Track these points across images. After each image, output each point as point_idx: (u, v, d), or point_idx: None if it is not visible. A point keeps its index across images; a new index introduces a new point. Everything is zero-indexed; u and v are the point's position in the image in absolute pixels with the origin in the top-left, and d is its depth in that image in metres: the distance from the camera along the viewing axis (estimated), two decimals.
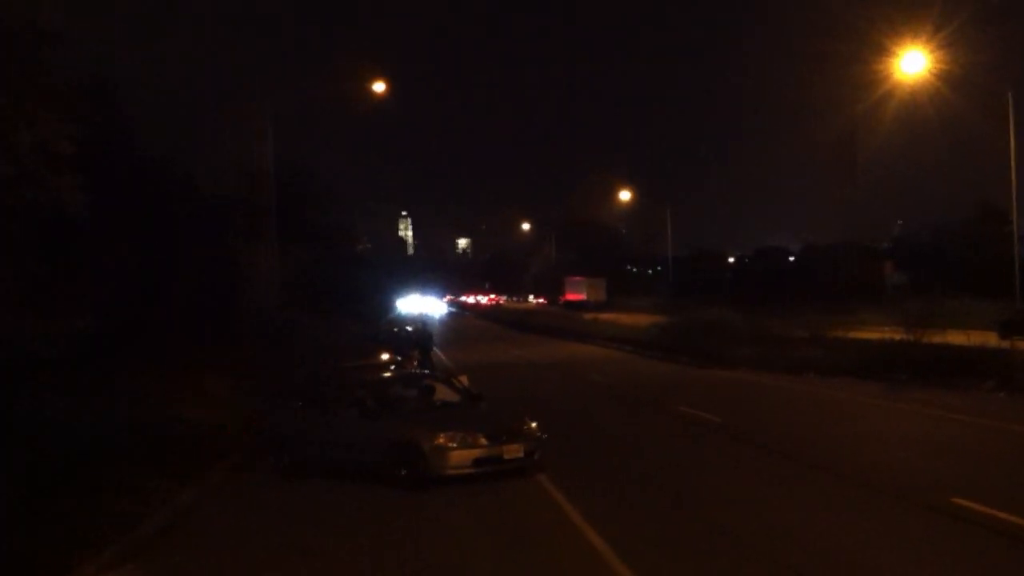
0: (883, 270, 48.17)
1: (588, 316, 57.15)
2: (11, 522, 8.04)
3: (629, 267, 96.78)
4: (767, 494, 9.89)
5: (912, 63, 29.45)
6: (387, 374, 15.13)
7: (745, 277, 62.30)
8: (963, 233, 52.55)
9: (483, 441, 11.06)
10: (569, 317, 60.33)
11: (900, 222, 76.95)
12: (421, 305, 77.64)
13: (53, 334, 11.53)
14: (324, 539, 8.90)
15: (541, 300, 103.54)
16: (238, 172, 26.13)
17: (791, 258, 76.77)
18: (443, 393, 13.12)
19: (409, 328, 34.06)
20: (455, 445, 10.91)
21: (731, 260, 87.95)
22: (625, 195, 76.71)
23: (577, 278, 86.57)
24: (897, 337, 22.81)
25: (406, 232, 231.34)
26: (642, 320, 42.50)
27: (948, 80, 31.18)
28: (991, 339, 21.22)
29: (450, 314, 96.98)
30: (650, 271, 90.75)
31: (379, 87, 26.36)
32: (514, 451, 11.23)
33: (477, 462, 10.95)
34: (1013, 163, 30.86)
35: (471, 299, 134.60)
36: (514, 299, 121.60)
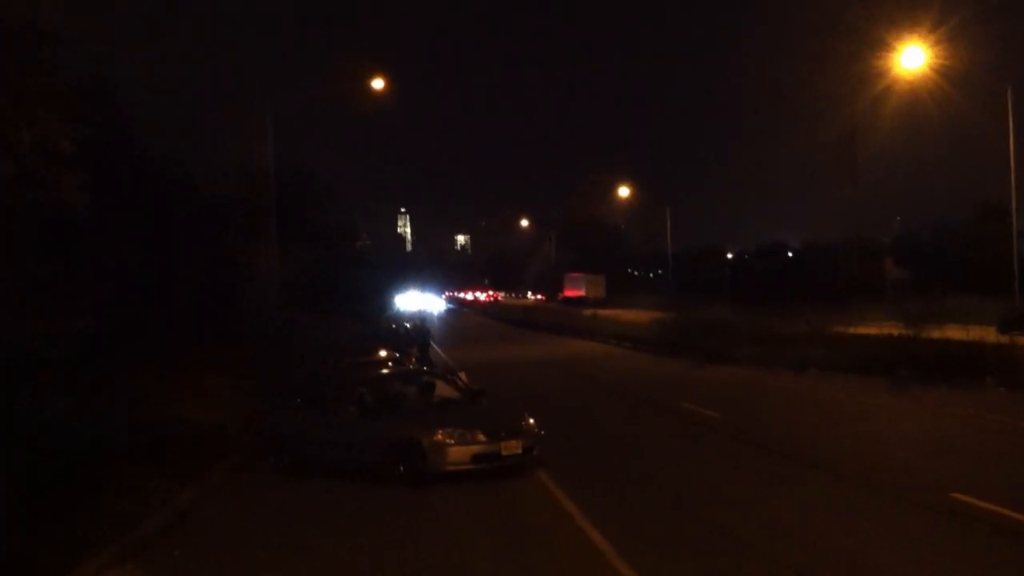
0: (883, 266, 48.10)
1: (587, 312, 57.17)
2: (11, 522, 8.03)
3: (631, 270, 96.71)
4: (767, 494, 9.89)
5: (912, 58, 29.48)
6: (385, 371, 15.16)
7: (746, 275, 62.24)
8: (963, 233, 52.56)
9: (481, 437, 11.10)
10: (568, 313, 60.35)
11: (898, 218, 76.84)
12: (420, 302, 77.64)
13: (53, 334, 11.51)
14: (324, 539, 8.90)
15: (540, 297, 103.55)
16: (238, 172, 26.12)
17: (790, 254, 76.82)
18: (443, 390, 13.15)
19: (408, 325, 34.09)
20: (453, 441, 10.95)
21: (730, 256, 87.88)
22: (624, 191, 76.66)
23: (576, 274, 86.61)
24: (896, 333, 22.88)
25: (405, 229, 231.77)
26: (642, 317, 42.51)
27: (948, 76, 31.23)
28: (990, 335, 21.25)
29: (449, 311, 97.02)
30: (651, 274, 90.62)
31: (378, 84, 26.35)
32: (512, 447, 11.26)
33: (476, 458, 10.99)
34: (1012, 160, 30.86)
35: (469, 296, 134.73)
36: (513, 295, 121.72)
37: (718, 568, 7.30)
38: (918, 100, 36.47)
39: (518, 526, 9.06)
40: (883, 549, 7.57)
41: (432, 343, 31.73)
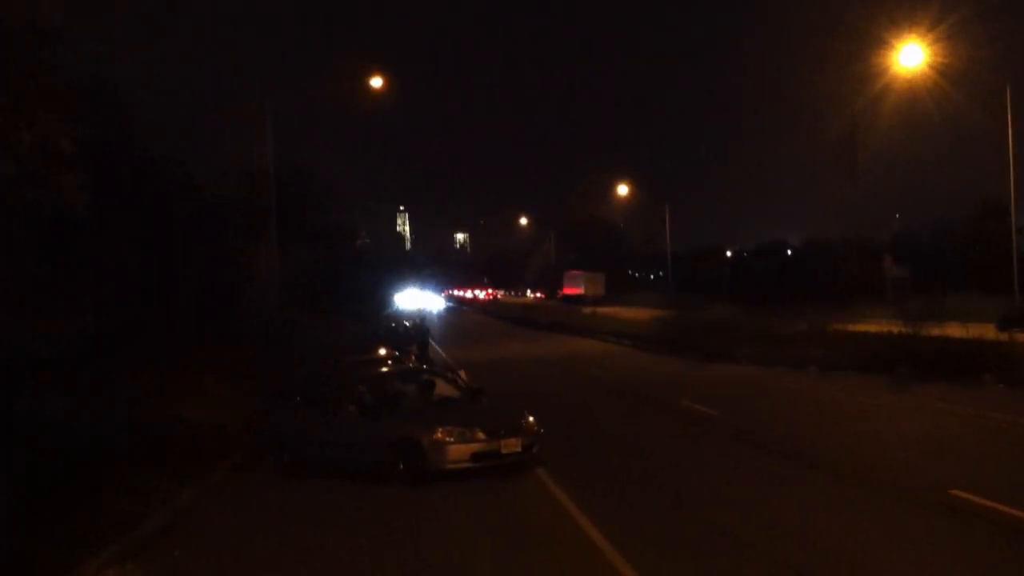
0: (882, 265, 48.10)
1: (587, 310, 57.16)
2: (11, 522, 8.03)
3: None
4: (767, 493, 9.88)
5: (911, 57, 29.51)
6: (385, 369, 15.17)
7: (746, 275, 62.23)
8: (963, 232, 52.52)
9: (481, 436, 11.11)
10: (568, 312, 60.39)
11: (897, 216, 76.75)
12: (419, 300, 77.69)
13: (53, 334, 11.50)
14: (324, 539, 8.90)
15: (539, 295, 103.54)
16: (238, 172, 26.10)
17: (789, 252, 76.85)
18: (443, 388, 13.16)
19: (407, 323, 34.10)
20: (452, 440, 10.96)
21: (729, 254, 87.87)
22: (624, 190, 76.69)
23: (575, 272, 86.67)
24: (896, 331, 22.93)
25: (404, 227, 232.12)
26: (641, 315, 42.55)
27: (947, 74, 31.25)
28: (989, 332, 21.28)
29: (448, 309, 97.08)
30: (652, 276, 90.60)
31: (377, 82, 26.34)
32: (512, 445, 11.28)
33: (475, 456, 11.00)
34: (1012, 157, 30.88)
35: (469, 294, 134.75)
36: (512, 294, 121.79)
37: (718, 568, 7.29)
38: (918, 99, 36.51)
39: (518, 526, 9.06)
40: (883, 549, 7.57)
41: (431, 341, 31.75)
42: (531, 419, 11.99)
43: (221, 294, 21.51)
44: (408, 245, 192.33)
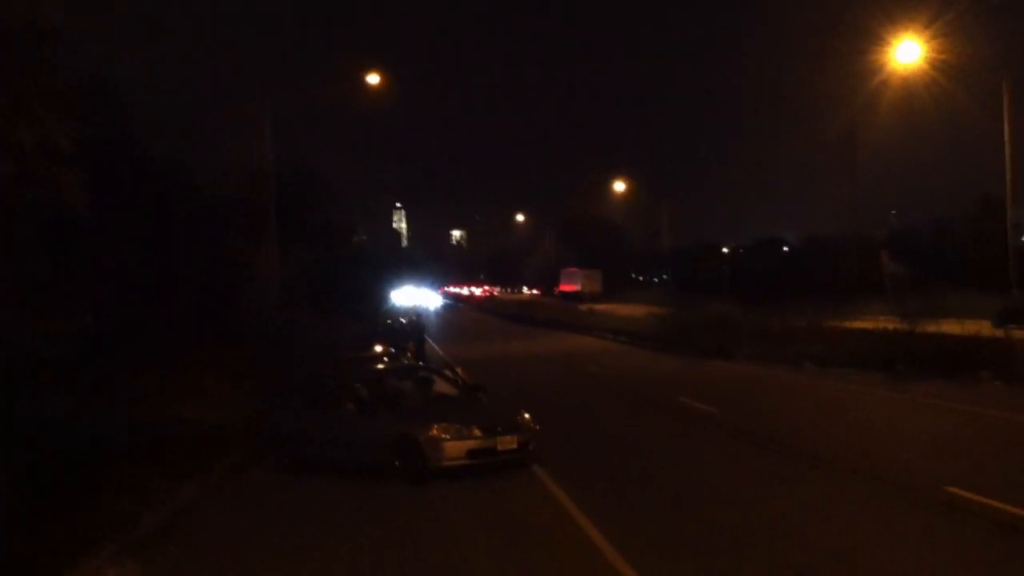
0: (879, 261, 48.17)
1: (583, 307, 57.20)
2: (11, 522, 8.03)
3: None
4: (767, 493, 9.88)
5: (908, 53, 29.54)
6: (382, 367, 15.17)
7: (746, 274, 62.24)
8: (961, 230, 52.54)
9: (477, 433, 11.13)
10: (564, 309, 60.41)
11: (893, 212, 76.83)
12: (415, 297, 77.69)
13: (53, 334, 11.52)
14: (324, 539, 8.90)
15: (536, 291, 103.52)
16: (238, 172, 26.10)
17: (785, 248, 76.91)
18: (440, 386, 13.17)
19: (403, 320, 34.11)
20: (449, 437, 10.98)
21: (725, 251, 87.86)
22: (624, 188, 76.68)
23: (572, 269, 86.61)
24: (892, 328, 22.97)
25: (400, 224, 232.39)
26: (638, 312, 42.58)
27: (946, 71, 31.24)
28: (985, 328, 21.34)
29: (445, 306, 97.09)
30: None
31: (374, 79, 26.36)
32: (508, 443, 11.29)
33: (471, 454, 11.03)
34: (1008, 154, 30.89)
35: (465, 291, 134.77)
36: (508, 290, 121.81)
37: (718, 568, 7.29)
38: (915, 96, 36.49)
39: (518, 526, 9.06)
40: (883, 548, 7.57)
41: (428, 338, 31.75)
42: (527, 416, 12.02)
43: (221, 294, 21.51)
44: (404, 242, 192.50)
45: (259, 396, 16.20)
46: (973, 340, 20.10)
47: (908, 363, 20.38)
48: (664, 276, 78.19)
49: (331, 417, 12.23)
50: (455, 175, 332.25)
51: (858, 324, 26.11)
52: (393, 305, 56.94)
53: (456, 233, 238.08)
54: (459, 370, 14.14)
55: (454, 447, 11.00)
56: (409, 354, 22.22)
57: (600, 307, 56.14)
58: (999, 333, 20.57)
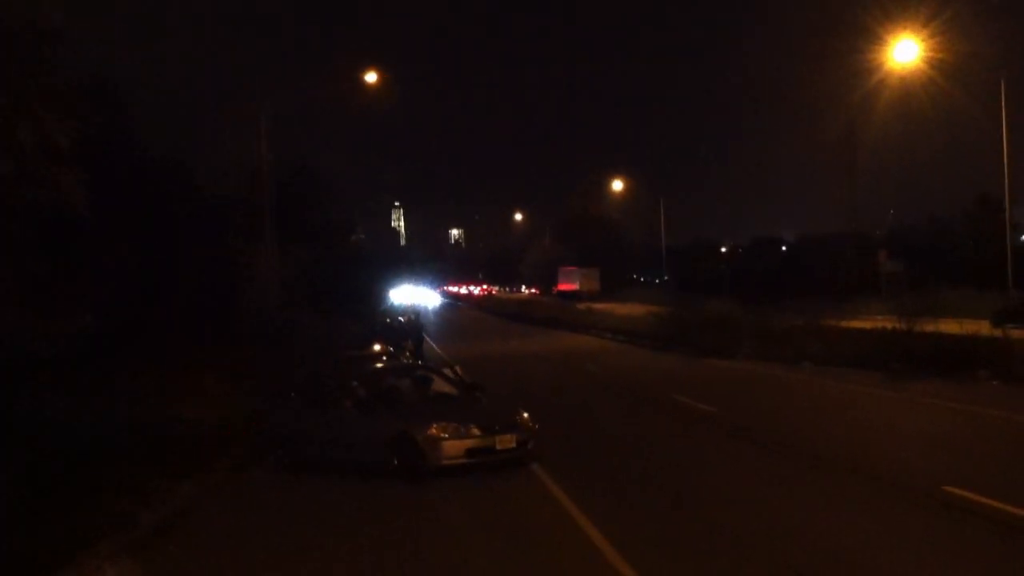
0: (876, 260, 48.24)
1: (581, 306, 57.29)
2: (11, 522, 8.04)
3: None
4: (767, 493, 9.89)
5: (906, 52, 29.58)
6: (380, 365, 15.18)
7: (745, 274, 62.31)
8: (961, 231, 52.60)
9: (476, 432, 11.13)
10: (563, 307, 60.50)
11: (892, 212, 76.81)
12: (414, 296, 77.64)
13: (53, 334, 11.53)
14: (324, 539, 8.90)
15: (534, 290, 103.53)
16: (238, 172, 26.13)
17: (783, 248, 76.96)
18: (439, 385, 13.19)
19: (402, 319, 34.13)
20: (447, 436, 10.99)
21: (724, 250, 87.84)
22: (624, 187, 76.69)
23: (570, 268, 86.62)
24: (890, 327, 23.01)
25: (399, 223, 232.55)
26: (636, 311, 42.62)
27: (943, 70, 31.29)
28: (984, 328, 21.37)
29: (443, 305, 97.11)
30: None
31: (371, 77, 26.37)
32: (507, 441, 11.29)
33: (470, 452, 11.03)
34: (1006, 153, 30.96)
35: (463, 290, 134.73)
36: (507, 289, 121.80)
37: (718, 568, 7.30)
38: (914, 96, 36.54)
39: (518, 526, 9.06)
40: (883, 548, 7.58)
41: (426, 337, 31.78)
42: (526, 415, 12.03)
43: (221, 294, 21.53)
44: (403, 241, 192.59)
45: (259, 396, 16.20)
46: (971, 340, 20.12)
47: (906, 362, 20.42)
48: (665, 278, 78.12)
49: (331, 417, 12.23)
50: (455, 175, 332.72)
51: (856, 323, 26.16)
52: (392, 304, 57.00)
53: (455, 232, 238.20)
54: (457, 369, 14.14)
55: (452, 446, 11.00)
56: (408, 353, 22.25)
57: (598, 306, 56.19)
58: (997, 333, 20.59)
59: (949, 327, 21.63)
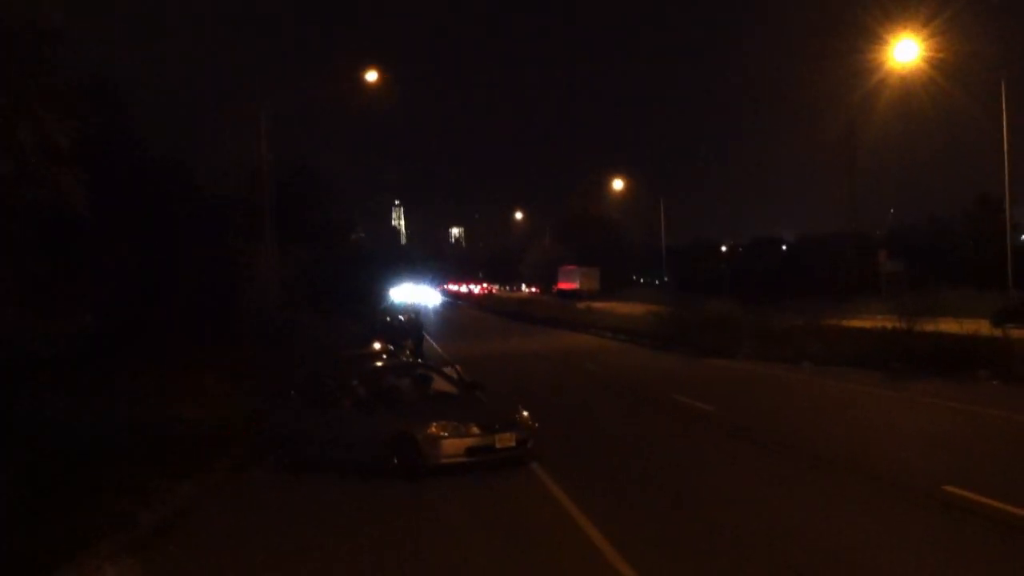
0: (876, 260, 48.25)
1: (581, 305, 57.40)
2: (11, 522, 8.04)
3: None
4: (767, 493, 9.89)
5: (906, 51, 29.59)
6: (380, 364, 15.18)
7: (745, 274, 62.36)
8: (961, 231, 52.61)
9: (475, 430, 11.14)
10: (563, 306, 60.61)
11: (892, 211, 76.85)
12: (414, 295, 77.66)
13: (53, 334, 11.54)
14: (324, 539, 8.91)
15: (534, 289, 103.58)
16: (238, 172, 26.13)
17: (783, 247, 76.99)
18: (439, 383, 13.19)
19: (402, 318, 34.15)
20: (447, 434, 11.00)
21: (724, 249, 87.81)
22: (625, 186, 76.68)
23: (570, 267, 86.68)
24: (890, 327, 23.02)
25: (399, 221, 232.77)
26: (636, 310, 42.65)
27: (943, 70, 31.30)
28: (984, 328, 21.39)
29: (444, 304, 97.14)
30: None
31: (372, 76, 26.37)
32: (506, 440, 11.30)
33: (470, 451, 11.05)
34: (1006, 153, 30.97)
35: (463, 288, 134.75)
36: (507, 288, 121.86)
37: (718, 568, 7.30)
38: (914, 95, 36.54)
39: (518, 526, 9.06)
40: (883, 548, 7.58)
41: (426, 336, 31.79)
42: (525, 414, 12.04)
43: (221, 294, 21.53)
44: (403, 240, 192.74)
45: (259, 396, 16.21)
46: (971, 339, 20.15)
47: (906, 362, 20.44)
48: (666, 279, 78.15)
49: (331, 416, 12.24)
50: (455, 175, 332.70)
51: (856, 323, 26.18)
52: (392, 303, 57.05)
53: (455, 231, 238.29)
54: (457, 367, 14.15)
55: (452, 444, 11.01)
56: (408, 352, 22.25)
57: (598, 305, 56.27)
58: (997, 332, 20.61)
59: (949, 327, 21.65)
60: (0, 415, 10.20)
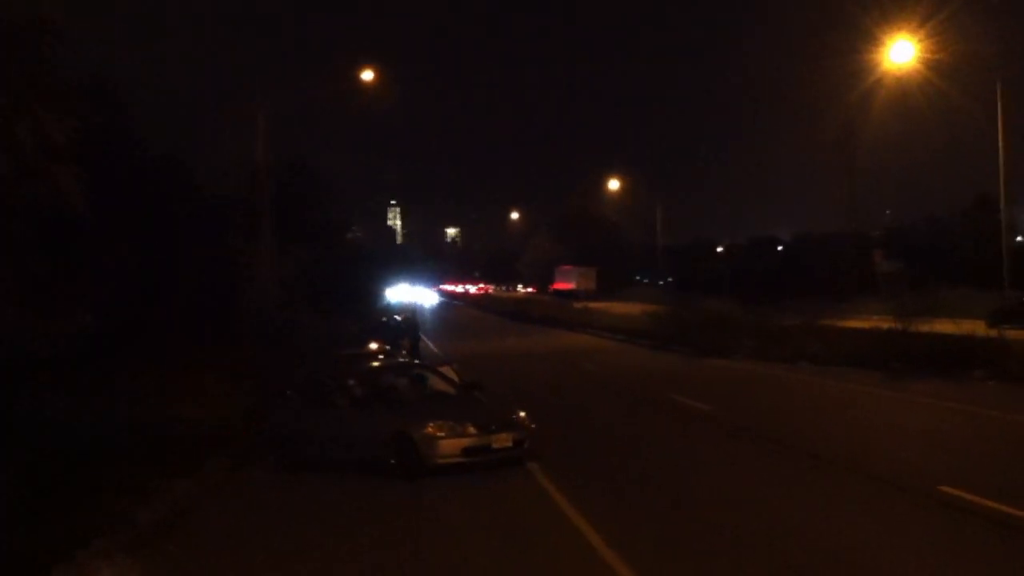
0: (873, 260, 48.32)
1: (578, 305, 57.49)
2: (11, 522, 8.05)
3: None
4: (766, 493, 9.89)
5: (902, 52, 29.62)
6: (376, 363, 15.19)
7: (745, 274, 62.40)
8: (959, 231, 52.65)
9: (472, 430, 11.15)
10: (560, 306, 60.67)
11: (888, 212, 76.98)
12: (411, 294, 77.78)
13: (53, 334, 11.54)
14: (324, 538, 8.92)
15: (531, 289, 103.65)
16: (238, 172, 26.13)
17: (780, 247, 77.06)
18: (437, 383, 13.20)
19: (398, 317, 34.17)
20: (444, 434, 11.01)
21: (723, 249, 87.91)
22: (624, 186, 76.73)
23: (567, 267, 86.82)
24: (886, 327, 23.05)
25: (395, 221, 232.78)
26: (633, 310, 42.68)
27: (940, 70, 31.32)
28: (980, 328, 21.43)
29: (440, 304, 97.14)
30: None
31: (368, 75, 26.38)
32: (503, 440, 11.31)
33: (467, 451, 11.06)
34: (1001, 154, 30.97)
35: (461, 288, 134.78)
36: (504, 288, 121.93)
37: (717, 568, 7.30)
38: (911, 95, 36.55)
39: (517, 527, 9.07)
40: (883, 548, 7.59)
41: (423, 336, 31.80)
42: (523, 414, 12.04)
43: (221, 294, 21.55)
44: (399, 239, 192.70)
45: (259, 396, 16.22)
46: (968, 340, 20.19)
47: (904, 362, 20.47)
48: (668, 279, 78.19)
49: (330, 416, 12.26)
50: (454, 175, 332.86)
51: (855, 323, 26.22)
52: (389, 303, 57.11)
53: (451, 231, 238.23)
54: (454, 367, 14.16)
55: (449, 444, 11.03)
56: (404, 351, 22.26)
57: (595, 305, 56.35)
58: (993, 333, 20.66)
59: (945, 327, 21.70)
60: (0, 415, 10.20)
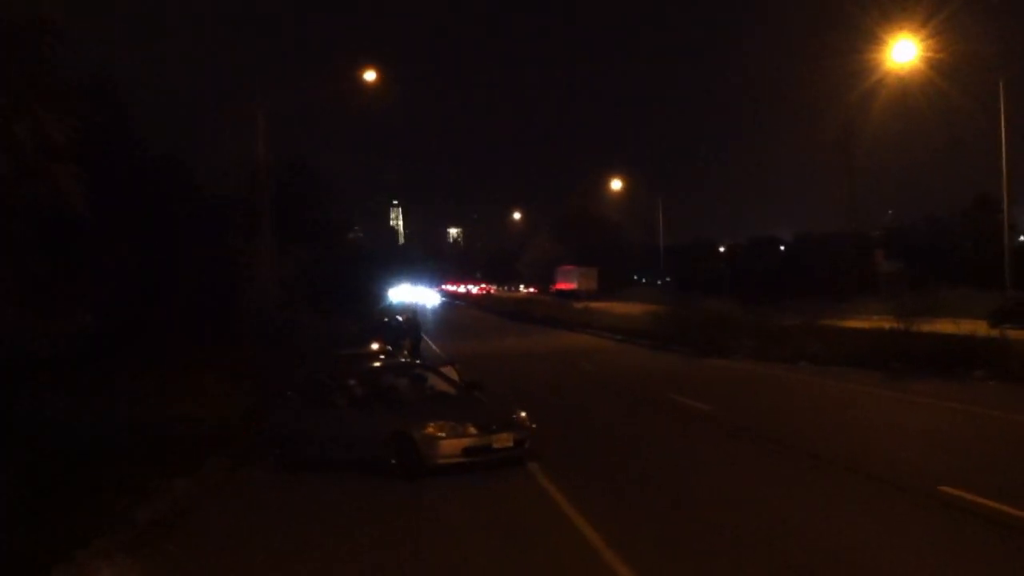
0: (873, 259, 48.31)
1: (579, 305, 57.56)
2: (11, 521, 8.05)
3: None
4: (766, 493, 9.89)
5: (904, 52, 29.60)
6: (377, 364, 15.20)
7: (745, 274, 62.42)
8: (960, 231, 52.66)
9: (472, 430, 11.15)
10: (560, 306, 60.74)
11: (890, 212, 76.96)
12: (412, 295, 77.85)
13: (53, 334, 11.54)
14: (323, 538, 8.92)
15: (532, 289, 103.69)
16: (238, 172, 26.13)
17: (781, 247, 77.10)
18: (437, 383, 13.20)
19: (400, 317, 34.20)
20: (444, 434, 11.01)
21: (722, 249, 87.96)
22: (623, 186, 76.80)
23: (568, 267, 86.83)
24: (887, 327, 23.05)
25: (397, 221, 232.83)
26: (634, 310, 42.70)
27: (941, 70, 31.30)
28: (981, 328, 21.41)
29: (442, 304, 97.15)
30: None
31: (370, 75, 26.38)
32: (504, 440, 11.31)
33: (467, 451, 11.06)
34: (1004, 153, 30.96)
35: (461, 288, 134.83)
36: (505, 288, 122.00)
37: (717, 568, 7.30)
38: (913, 95, 36.55)
39: (517, 527, 9.07)
40: (883, 548, 7.59)
41: (424, 336, 31.81)
42: (523, 414, 12.04)
43: (221, 294, 21.55)
44: (401, 239, 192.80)
45: (259, 396, 16.23)
46: (968, 340, 20.20)
47: (904, 362, 20.47)
48: (668, 279, 78.20)
49: (330, 416, 12.26)
50: (455, 175, 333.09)
51: (855, 323, 26.22)
52: (390, 303, 57.13)
53: (453, 231, 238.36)
54: (455, 367, 14.16)
55: (449, 444, 11.02)
56: (405, 351, 22.28)
57: (596, 305, 56.39)
58: (994, 333, 20.66)
59: (946, 327, 21.69)
60: (0, 415, 10.20)
